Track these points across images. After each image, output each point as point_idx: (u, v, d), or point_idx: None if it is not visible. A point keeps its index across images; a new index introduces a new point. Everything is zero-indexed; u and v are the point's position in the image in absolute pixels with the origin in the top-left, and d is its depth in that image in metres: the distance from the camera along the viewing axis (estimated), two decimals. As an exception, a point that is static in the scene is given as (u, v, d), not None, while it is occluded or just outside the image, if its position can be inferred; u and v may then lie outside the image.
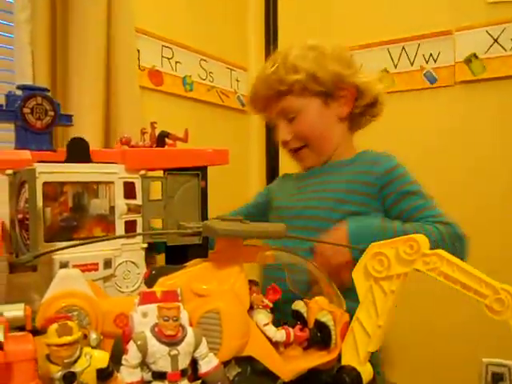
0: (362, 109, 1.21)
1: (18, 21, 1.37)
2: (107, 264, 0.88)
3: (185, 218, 0.95)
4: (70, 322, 0.50)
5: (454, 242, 1.03)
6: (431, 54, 1.74)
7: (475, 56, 1.66)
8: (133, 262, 0.91)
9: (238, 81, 2.04)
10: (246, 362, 0.67)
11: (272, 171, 2.02)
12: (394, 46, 1.77)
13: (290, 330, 0.71)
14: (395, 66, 1.77)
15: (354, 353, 0.72)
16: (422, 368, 1.69)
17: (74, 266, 0.82)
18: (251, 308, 0.71)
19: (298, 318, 0.77)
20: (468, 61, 1.67)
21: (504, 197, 1.63)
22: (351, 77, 1.16)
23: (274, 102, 1.19)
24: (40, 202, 0.82)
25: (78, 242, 0.77)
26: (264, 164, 2.06)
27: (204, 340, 0.59)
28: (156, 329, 0.57)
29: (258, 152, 2.08)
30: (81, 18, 1.38)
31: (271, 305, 0.73)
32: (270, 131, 1.97)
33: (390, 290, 0.69)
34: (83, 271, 0.82)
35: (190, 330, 0.58)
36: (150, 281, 0.68)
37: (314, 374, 0.76)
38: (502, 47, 1.61)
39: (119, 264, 0.90)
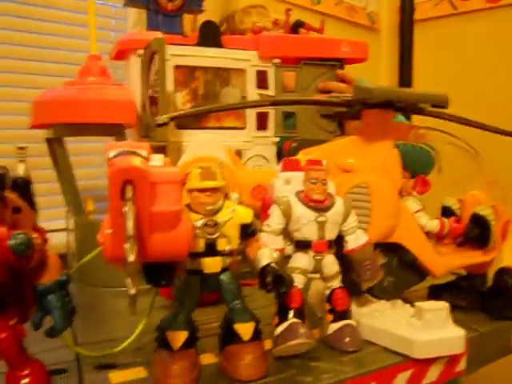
0: None
1: None
2: (238, 156, 0.84)
3: (318, 112, 0.88)
4: (213, 167, 0.45)
5: None
6: None
7: None
8: (264, 157, 0.86)
9: (368, -4, 1.90)
10: (393, 251, 0.60)
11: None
12: None
13: (445, 220, 0.63)
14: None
15: (518, 252, 0.63)
16: None
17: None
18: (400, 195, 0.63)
19: (448, 216, 0.67)
20: None
21: None
22: None
23: None
24: (171, 86, 0.78)
25: (216, 107, 0.73)
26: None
27: (353, 212, 0.53)
28: (302, 194, 0.51)
29: (388, 73, 1.94)
30: None
31: (420, 197, 0.65)
32: (404, 50, 1.84)
33: None
34: (211, 161, 0.78)
35: (339, 199, 0.52)
36: (289, 154, 0.62)
37: (465, 278, 0.67)
38: None
39: (249, 158, 0.85)
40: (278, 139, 0.87)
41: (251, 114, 0.85)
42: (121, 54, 0.84)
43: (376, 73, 1.94)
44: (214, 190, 0.44)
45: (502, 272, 0.62)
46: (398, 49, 1.88)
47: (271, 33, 0.92)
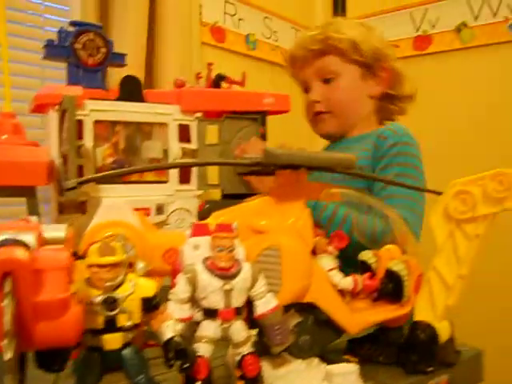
0: (393, 97, 1.18)
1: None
2: (159, 210, 0.83)
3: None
4: (113, 242, 0.44)
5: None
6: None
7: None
8: (187, 210, 0.86)
9: (302, 41, 1.95)
10: (307, 310, 0.60)
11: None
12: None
13: (358, 277, 0.64)
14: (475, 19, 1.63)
15: (429, 307, 0.64)
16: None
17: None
18: (314, 253, 0.63)
19: (364, 270, 0.69)
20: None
21: None
22: (392, 60, 1.15)
23: (315, 59, 1.16)
24: (90, 141, 0.78)
25: (125, 170, 0.72)
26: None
27: (262, 277, 0.53)
28: (208, 261, 0.51)
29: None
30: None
31: (336, 253, 0.66)
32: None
33: (474, 233, 0.60)
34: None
35: (246, 265, 0.52)
36: (203, 214, 0.62)
37: (382, 331, 0.68)
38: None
39: (172, 211, 0.85)
40: (200, 192, 0.87)
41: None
42: (39, 108, 0.83)
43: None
44: (113, 265, 0.44)
45: (415, 326, 0.63)
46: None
47: (194, 87, 0.92)
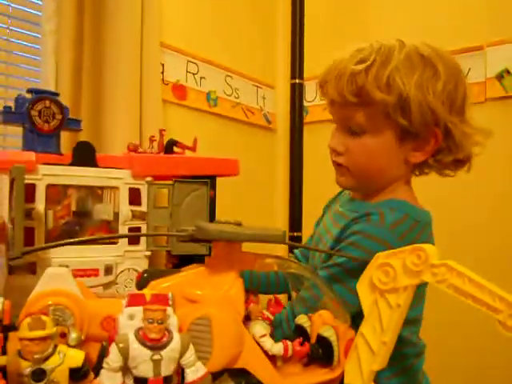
0: (440, 161, 0.92)
1: (44, 32, 1.39)
2: (108, 270, 0.86)
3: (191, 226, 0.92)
4: (43, 317, 0.47)
5: None
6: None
7: (507, 71, 1.60)
8: (135, 270, 0.89)
9: (264, 98, 2.02)
10: (240, 375, 0.63)
11: (295, 191, 1.98)
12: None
13: (289, 343, 0.67)
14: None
15: (357, 371, 0.67)
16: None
17: (74, 271, 0.80)
18: (249, 319, 0.67)
19: (301, 333, 0.72)
20: (500, 76, 1.62)
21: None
22: (452, 123, 0.86)
23: (344, 106, 0.89)
24: (42, 204, 0.81)
25: (71, 241, 0.75)
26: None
27: (191, 347, 0.56)
28: (140, 332, 0.54)
29: (284, 170, 2.05)
30: (110, 30, 1.39)
31: (272, 317, 0.69)
32: (295, 149, 1.95)
33: (396, 303, 0.64)
34: (83, 276, 0.80)
35: (176, 336, 0.55)
36: (140, 283, 0.65)
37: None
38: (536, 63, 1.56)
39: (121, 271, 0.88)
40: (149, 253, 0.90)
41: (123, 229, 0.88)
42: (-6, 171, 0.86)
43: (273, 171, 2.05)
44: (43, 338, 0.46)
45: (343, 391, 0.67)
46: (289, 148, 2.00)
47: (147, 151, 0.97)
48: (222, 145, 1.82)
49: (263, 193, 2.04)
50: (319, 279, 0.74)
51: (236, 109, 1.87)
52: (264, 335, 0.66)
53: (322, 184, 1.89)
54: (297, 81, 1.90)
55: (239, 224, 0.65)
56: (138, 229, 0.89)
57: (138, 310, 0.56)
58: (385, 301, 0.65)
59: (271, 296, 0.74)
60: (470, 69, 1.68)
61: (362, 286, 0.67)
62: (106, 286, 0.86)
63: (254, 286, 0.91)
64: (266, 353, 0.65)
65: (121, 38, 1.37)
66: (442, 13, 1.78)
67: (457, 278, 0.60)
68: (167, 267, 0.99)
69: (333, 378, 0.68)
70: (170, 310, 0.56)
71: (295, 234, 1.81)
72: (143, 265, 0.89)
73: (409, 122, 0.85)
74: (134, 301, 0.58)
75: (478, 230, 1.58)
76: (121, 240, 0.87)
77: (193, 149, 1.01)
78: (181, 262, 0.97)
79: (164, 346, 0.53)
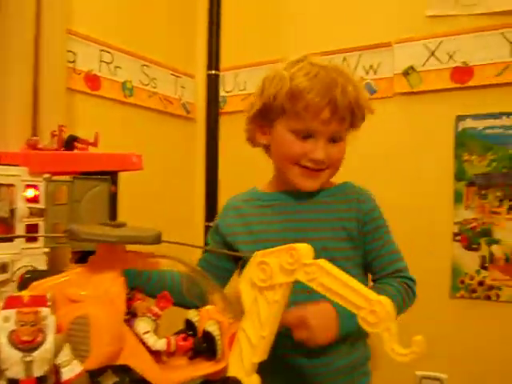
0: None
1: None
2: (3, 268, 0.86)
3: (92, 223, 0.93)
4: None
5: (409, 300, 1.10)
6: (371, 66, 1.75)
7: (413, 68, 1.67)
8: (33, 267, 0.89)
9: (183, 87, 2.02)
10: (124, 371, 0.66)
11: (211, 183, 2.00)
12: (335, 56, 1.77)
13: (172, 338, 0.70)
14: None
15: (239, 364, 0.71)
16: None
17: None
18: (136, 316, 0.69)
19: (190, 328, 0.75)
20: (406, 73, 1.69)
21: (438, 208, 1.64)
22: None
23: (342, 120, 1.04)
24: None
25: None
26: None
27: (67, 346, 0.57)
28: (13, 334, 0.55)
29: (204, 160, 2.07)
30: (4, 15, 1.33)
31: (161, 313, 0.72)
32: (211, 139, 1.97)
33: (273, 299, 0.68)
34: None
35: (50, 337, 0.56)
36: (22, 284, 0.66)
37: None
38: (439, 60, 1.63)
39: (18, 269, 0.87)
40: (48, 250, 0.90)
41: (20, 226, 0.88)
42: None
43: (193, 160, 2.06)
44: None
45: (225, 381, 0.70)
46: (205, 138, 2.02)
47: (47, 147, 0.96)
48: (140, 135, 1.81)
49: (184, 183, 2.05)
50: (207, 278, 0.77)
51: (153, 99, 1.86)
52: (147, 332, 0.68)
53: (238, 173, 1.93)
54: (213, 72, 1.92)
55: (121, 225, 0.66)
56: (36, 226, 0.89)
57: (12, 313, 0.57)
58: (263, 297, 0.69)
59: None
60: (379, 64, 1.74)
61: (244, 284, 0.70)
62: (3, 283, 0.86)
63: (147, 285, 0.93)
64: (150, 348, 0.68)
65: (11, 25, 1.32)
66: (351, 9, 1.83)
67: (326, 276, 0.64)
68: (71, 263, 0.99)
69: (218, 371, 0.72)
70: (46, 311, 0.57)
71: (211, 224, 1.83)
72: (42, 262, 0.89)
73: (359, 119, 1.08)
74: (10, 303, 0.58)
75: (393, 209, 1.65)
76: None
77: (94, 144, 1.01)
78: (84, 257, 0.97)
79: (36, 348, 0.55)
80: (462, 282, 1.58)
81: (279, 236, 1.06)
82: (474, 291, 1.57)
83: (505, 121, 1.55)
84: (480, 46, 1.57)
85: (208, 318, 0.73)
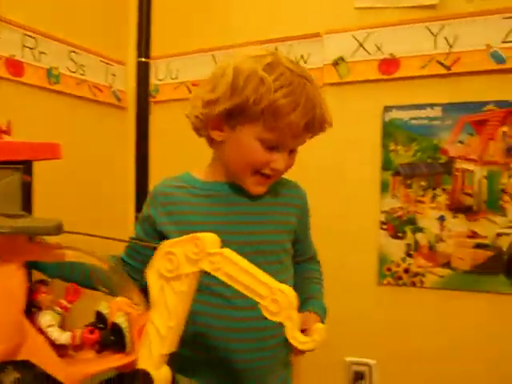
0: None
1: None
2: None
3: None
4: None
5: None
6: (302, 56, 1.76)
7: (342, 59, 1.69)
8: None
9: (114, 75, 1.98)
10: (26, 366, 0.64)
11: (142, 171, 1.98)
12: (267, 46, 1.76)
13: (77, 331, 0.68)
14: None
15: (149, 355, 0.70)
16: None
17: None
18: (41, 309, 0.67)
19: (100, 320, 0.74)
20: (335, 63, 1.70)
21: (366, 197, 1.67)
22: None
23: (306, 136, 1.06)
24: None
25: None
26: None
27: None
28: None
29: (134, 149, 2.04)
30: None
31: (69, 306, 0.70)
32: (142, 128, 1.94)
33: (180, 290, 0.67)
34: None
35: None
36: None
37: (118, 377, 0.73)
38: (367, 51, 1.65)
39: None
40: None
41: None
42: None
43: (125, 149, 2.02)
44: None
45: (133, 374, 0.69)
46: (135, 126, 1.99)
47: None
48: (67, 124, 1.76)
49: (116, 172, 2.01)
50: (116, 271, 0.76)
51: (81, 86, 1.81)
52: (51, 325, 0.66)
53: (170, 162, 1.91)
54: (143, 59, 1.89)
55: (18, 216, 0.64)
56: None
57: None
58: (170, 287, 0.68)
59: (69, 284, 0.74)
60: (309, 55, 1.75)
61: (151, 274, 0.69)
62: None
63: (71, 277, 0.91)
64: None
65: None
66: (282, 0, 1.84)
67: (230, 266, 0.64)
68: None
69: (128, 363, 0.71)
70: None
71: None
72: None
73: None
74: None
75: (321, 198, 1.68)
76: None
77: (7, 132, 0.97)
78: None
79: None
80: (389, 269, 1.62)
81: (219, 228, 1.02)
82: (399, 278, 1.61)
83: (429, 112, 1.58)
84: (406, 38, 1.60)
85: (117, 310, 0.72)
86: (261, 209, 1.10)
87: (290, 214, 1.15)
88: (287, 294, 0.61)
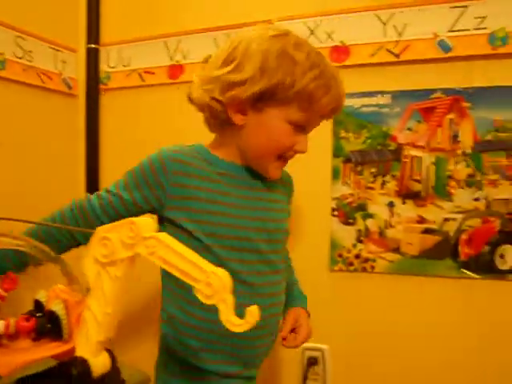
0: None
1: None
2: None
3: None
4: None
5: None
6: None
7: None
8: None
9: (64, 62, 1.93)
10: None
11: (92, 160, 1.94)
12: (219, 32, 1.76)
13: (11, 320, 0.67)
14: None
15: (86, 342, 0.69)
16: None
17: None
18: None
19: (38, 308, 0.72)
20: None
21: (317, 184, 1.68)
22: None
23: (331, 113, 1.10)
24: None
25: None
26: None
27: None
28: None
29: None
30: None
31: (5, 294, 0.69)
32: (91, 117, 1.91)
33: (115, 275, 0.67)
34: None
35: None
36: None
37: (60, 365, 0.72)
38: (318, 39, 1.66)
39: None
40: None
41: None
42: None
43: (75, 138, 1.98)
44: None
45: (70, 362, 0.68)
46: (85, 114, 1.96)
47: None
48: (14, 112, 1.72)
49: (66, 161, 1.97)
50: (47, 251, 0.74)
51: (28, 72, 1.76)
52: (-18, 314, 0.65)
53: (121, 150, 1.89)
54: (93, 45, 1.86)
55: None
56: None
57: None
58: (106, 273, 0.68)
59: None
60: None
61: (87, 259, 0.69)
62: None
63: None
64: None
65: None
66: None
67: (164, 250, 0.64)
68: None
69: (65, 351, 0.70)
70: None
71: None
72: None
73: None
74: None
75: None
76: None
77: None
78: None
79: None
80: (340, 255, 1.63)
81: (239, 212, 1.03)
82: (351, 264, 1.62)
83: (379, 99, 1.60)
84: (356, 26, 1.61)
85: (55, 298, 0.71)
86: (273, 196, 1.12)
87: (288, 202, 1.22)
88: (221, 276, 0.61)
